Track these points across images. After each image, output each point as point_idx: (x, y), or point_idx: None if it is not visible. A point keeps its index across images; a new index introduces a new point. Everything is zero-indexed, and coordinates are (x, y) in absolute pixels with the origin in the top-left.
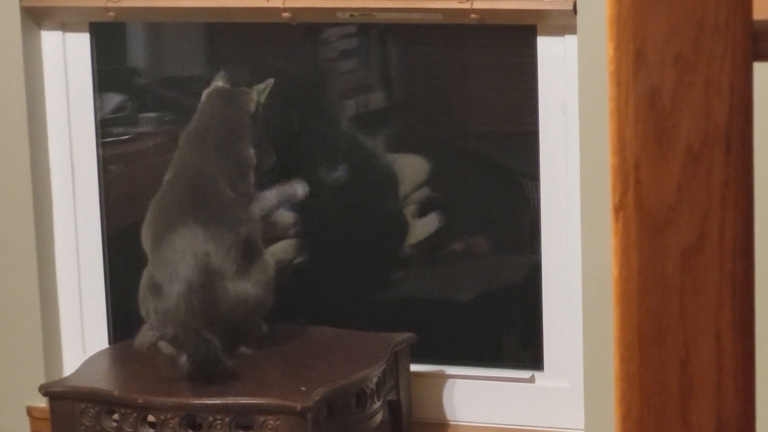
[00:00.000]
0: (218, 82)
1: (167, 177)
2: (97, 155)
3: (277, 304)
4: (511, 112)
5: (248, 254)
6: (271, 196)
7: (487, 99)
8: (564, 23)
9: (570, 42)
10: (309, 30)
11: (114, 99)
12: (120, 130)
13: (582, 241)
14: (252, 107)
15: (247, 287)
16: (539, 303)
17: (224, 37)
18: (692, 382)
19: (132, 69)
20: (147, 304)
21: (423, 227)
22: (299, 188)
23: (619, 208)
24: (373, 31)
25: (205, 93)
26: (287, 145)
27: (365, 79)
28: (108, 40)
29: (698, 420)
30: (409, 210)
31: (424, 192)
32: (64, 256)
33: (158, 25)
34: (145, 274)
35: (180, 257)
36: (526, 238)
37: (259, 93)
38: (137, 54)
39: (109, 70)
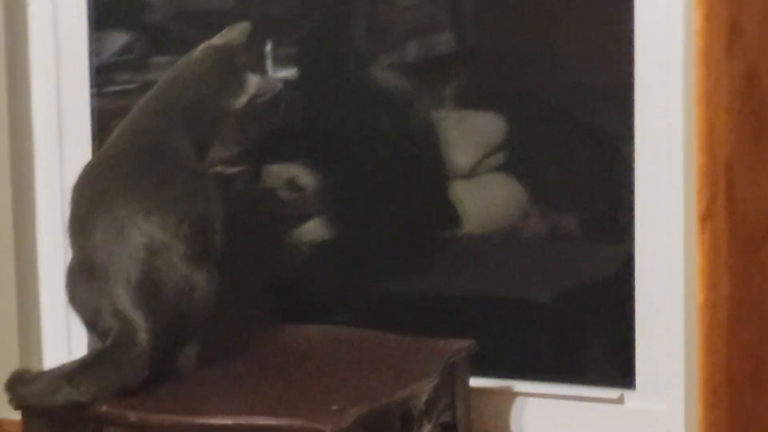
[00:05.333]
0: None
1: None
2: (92, 108)
3: (304, 300)
4: (602, 62)
5: (202, 238)
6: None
7: (574, 45)
8: None
9: None
10: None
11: (118, 39)
12: (124, 77)
13: (685, 228)
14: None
15: (194, 274)
16: (631, 305)
17: None
18: None
19: (141, 2)
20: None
21: None
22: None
23: (706, 218)
24: None
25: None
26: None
27: (429, 17)
28: None
29: None
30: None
31: (495, 160)
32: (47, 252)
33: None
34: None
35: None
36: (617, 221)
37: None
38: None
39: (110, 3)
